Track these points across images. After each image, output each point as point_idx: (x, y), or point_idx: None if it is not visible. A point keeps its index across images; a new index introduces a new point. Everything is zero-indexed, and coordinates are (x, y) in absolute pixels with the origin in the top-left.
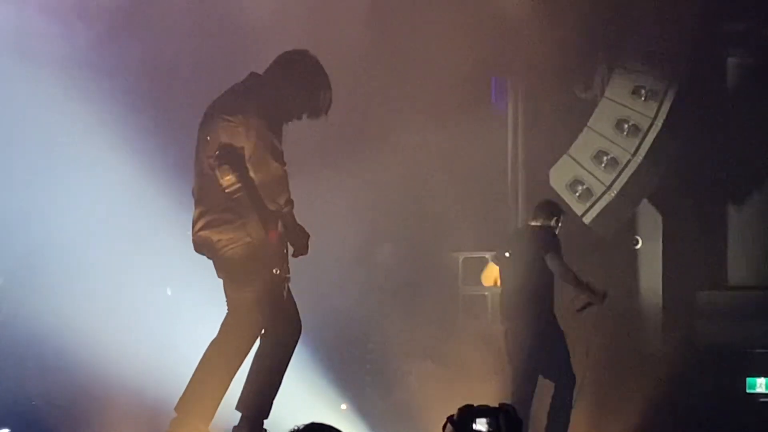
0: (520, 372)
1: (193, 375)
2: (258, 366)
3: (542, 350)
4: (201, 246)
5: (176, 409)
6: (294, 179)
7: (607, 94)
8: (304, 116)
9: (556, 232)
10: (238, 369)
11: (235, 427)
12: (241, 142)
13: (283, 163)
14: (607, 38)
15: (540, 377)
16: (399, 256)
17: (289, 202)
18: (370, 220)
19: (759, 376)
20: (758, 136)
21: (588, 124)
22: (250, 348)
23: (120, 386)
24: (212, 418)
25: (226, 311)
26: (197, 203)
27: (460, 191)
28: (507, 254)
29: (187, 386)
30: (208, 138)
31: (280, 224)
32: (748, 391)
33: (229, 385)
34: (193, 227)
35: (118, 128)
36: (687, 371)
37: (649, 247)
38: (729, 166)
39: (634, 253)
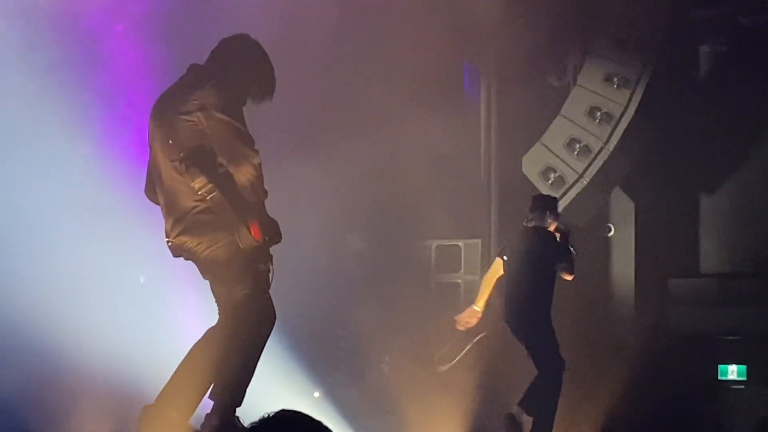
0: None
1: (178, 369)
2: (231, 356)
3: (535, 349)
4: (179, 251)
5: (157, 398)
6: (265, 168)
7: (579, 81)
8: (249, 101)
9: (553, 228)
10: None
11: (207, 414)
12: (206, 138)
13: (255, 148)
14: (580, 26)
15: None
16: (371, 244)
17: (265, 192)
18: (342, 208)
19: (731, 363)
20: (730, 123)
21: (561, 111)
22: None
23: (93, 376)
24: (193, 411)
25: (218, 310)
26: (168, 211)
27: (433, 179)
28: (505, 258)
29: (170, 379)
30: (170, 141)
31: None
32: (720, 378)
33: (210, 384)
34: (168, 235)
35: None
36: (659, 359)
37: (621, 235)
38: (701, 153)
39: (607, 241)
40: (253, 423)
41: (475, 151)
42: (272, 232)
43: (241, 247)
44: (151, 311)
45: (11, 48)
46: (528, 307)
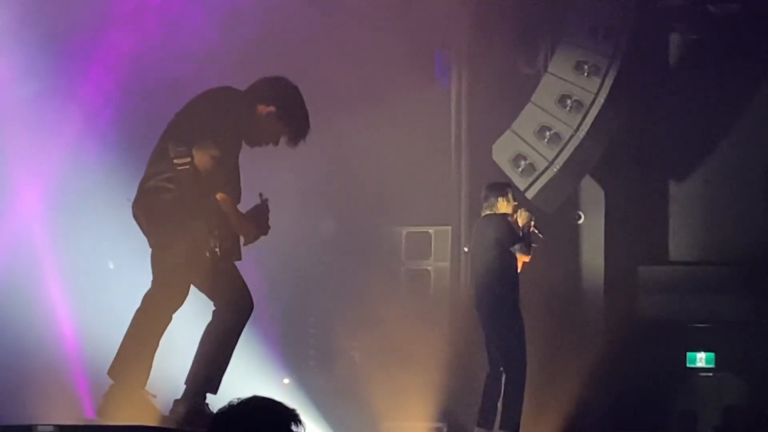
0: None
1: (122, 342)
2: (207, 343)
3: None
4: (138, 207)
5: (109, 374)
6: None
7: (550, 69)
8: (283, 140)
9: (511, 212)
10: (161, 335)
11: (176, 400)
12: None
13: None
14: (551, 13)
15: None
16: (342, 231)
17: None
18: (312, 195)
19: (699, 350)
20: (700, 111)
21: (531, 99)
22: (172, 314)
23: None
24: (146, 380)
25: (151, 281)
26: (146, 171)
27: (404, 165)
28: (465, 249)
29: (117, 353)
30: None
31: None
32: (688, 365)
33: (155, 349)
34: (139, 188)
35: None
36: (628, 346)
37: (591, 222)
38: (671, 141)
39: (577, 228)
40: (222, 408)
41: (445, 138)
42: (261, 222)
43: (177, 193)
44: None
45: None
46: (493, 294)
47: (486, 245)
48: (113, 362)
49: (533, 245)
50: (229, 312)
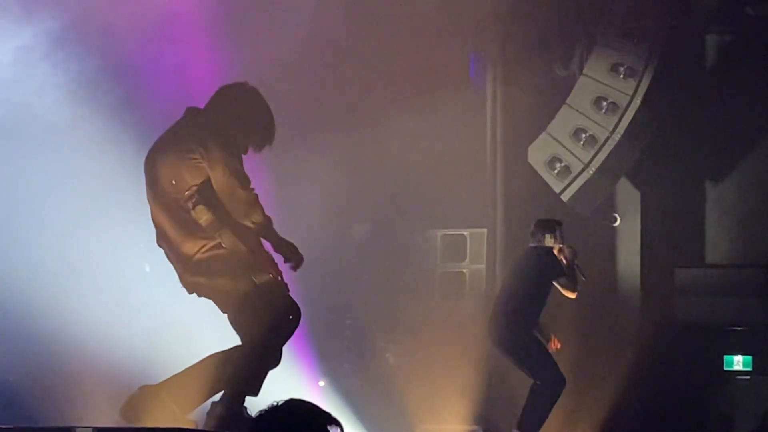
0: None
1: (192, 367)
2: (251, 348)
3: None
4: (196, 291)
5: (160, 383)
6: (274, 161)
7: (585, 71)
8: (250, 149)
9: (556, 250)
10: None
11: (214, 402)
12: (207, 176)
13: (251, 188)
14: (586, 16)
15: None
16: (377, 233)
17: (267, 219)
18: (348, 198)
19: (737, 353)
20: (737, 113)
21: (567, 101)
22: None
23: (98, 362)
24: (191, 407)
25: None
26: (176, 257)
27: (439, 168)
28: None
29: (182, 371)
30: (174, 182)
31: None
32: (725, 368)
33: (218, 392)
34: (181, 279)
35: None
36: (664, 349)
37: (627, 225)
38: (707, 143)
39: (613, 231)
40: (262, 411)
41: (480, 140)
42: (290, 253)
43: (256, 282)
44: (157, 300)
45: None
46: (511, 321)
47: (528, 275)
48: (171, 379)
49: (578, 283)
50: (280, 318)
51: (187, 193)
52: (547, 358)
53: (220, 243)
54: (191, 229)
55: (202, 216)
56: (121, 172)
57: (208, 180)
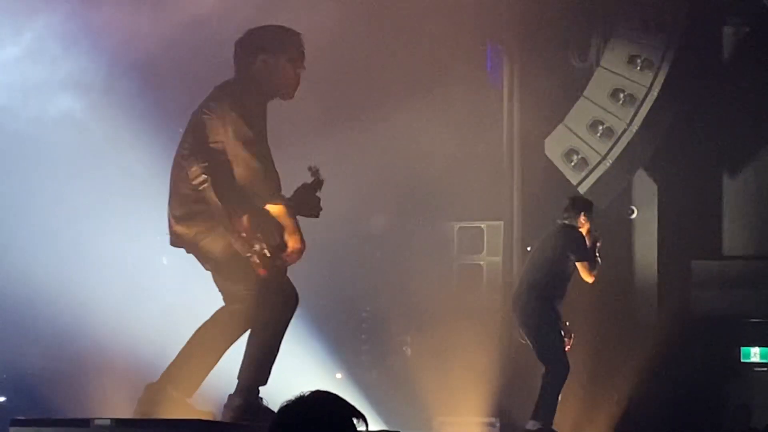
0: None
1: (181, 350)
2: (254, 337)
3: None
4: (178, 240)
5: (160, 377)
6: (289, 151)
7: (602, 63)
8: (277, 97)
9: (585, 230)
10: (224, 352)
11: (230, 395)
12: (219, 136)
13: (261, 156)
14: (603, 7)
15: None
16: (394, 226)
17: (269, 189)
18: (365, 190)
19: (753, 345)
20: (754, 104)
21: (584, 93)
22: (239, 335)
23: (116, 354)
24: (194, 391)
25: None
26: (171, 197)
27: (456, 160)
28: (528, 248)
29: (174, 359)
30: (180, 131)
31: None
32: (742, 360)
33: (213, 365)
34: (168, 222)
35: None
36: (682, 341)
37: (644, 217)
38: (724, 135)
39: (630, 223)
40: (288, 401)
41: (497, 132)
42: (270, 236)
43: (235, 247)
44: (174, 292)
45: None
46: (536, 296)
47: (556, 252)
48: (168, 367)
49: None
50: (278, 303)
51: (186, 145)
52: (558, 342)
53: (202, 197)
54: (183, 178)
55: (191, 166)
56: (139, 166)
57: (216, 141)
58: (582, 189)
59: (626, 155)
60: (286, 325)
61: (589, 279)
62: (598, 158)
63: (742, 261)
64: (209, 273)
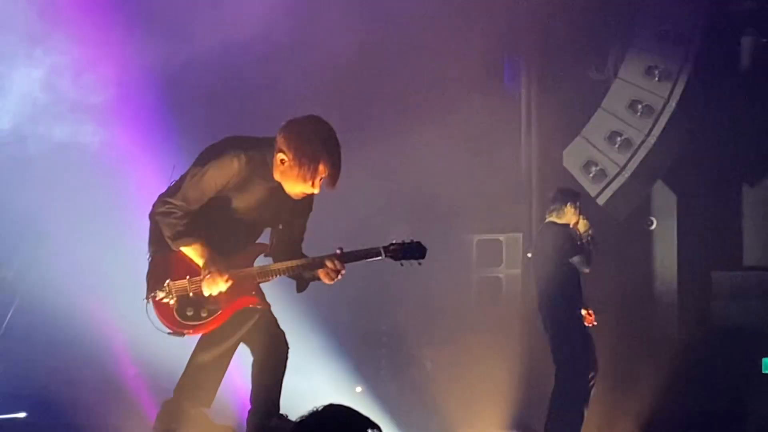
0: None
1: (189, 361)
2: (255, 378)
3: (563, 346)
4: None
5: (174, 390)
6: None
7: (620, 74)
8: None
9: (574, 222)
10: (231, 354)
11: (250, 410)
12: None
13: (166, 205)
14: (621, 18)
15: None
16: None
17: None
18: (383, 203)
19: None
20: None
21: (601, 105)
22: (242, 336)
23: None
24: (211, 400)
25: None
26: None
27: (474, 173)
28: (529, 255)
29: (184, 370)
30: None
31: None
32: (764, 371)
33: (225, 370)
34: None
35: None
36: (702, 352)
37: (663, 228)
38: (743, 145)
39: (649, 234)
40: (303, 416)
41: (515, 145)
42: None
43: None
44: None
45: None
46: (550, 303)
47: (546, 254)
48: (179, 380)
49: (592, 258)
50: (270, 359)
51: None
52: (573, 348)
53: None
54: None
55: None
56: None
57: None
58: (600, 200)
59: (645, 166)
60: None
61: (584, 270)
62: (617, 170)
63: (762, 272)
64: None
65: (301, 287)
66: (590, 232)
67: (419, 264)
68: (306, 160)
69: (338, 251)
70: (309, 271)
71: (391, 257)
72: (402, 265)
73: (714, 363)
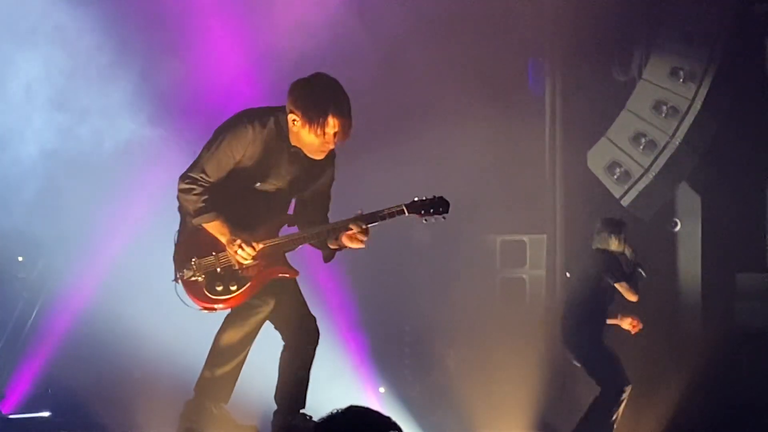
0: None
1: (207, 358)
2: (283, 368)
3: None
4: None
5: (194, 389)
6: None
7: (645, 75)
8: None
9: (621, 251)
10: (245, 352)
11: (275, 411)
12: None
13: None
14: (645, 19)
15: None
16: (436, 239)
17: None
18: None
19: None
20: None
21: (626, 106)
22: (256, 330)
23: (158, 370)
24: (228, 398)
25: None
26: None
27: (498, 174)
28: (567, 275)
29: (203, 368)
30: None
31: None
32: None
33: (242, 364)
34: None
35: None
36: (726, 354)
37: (688, 230)
38: None
39: (673, 236)
40: (323, 417)
41: (539, 146)
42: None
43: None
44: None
45: None
46: (579, 325)
47: (591, 276)
48: (198, 378)
49: (638, 286)
50: (301, 341)
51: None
52: (607, 362)
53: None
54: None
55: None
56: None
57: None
58: (625, 202)
59: (669, 168)
60: (311, 360)
61: (632, 298)
62: (641, 171)
63: None
64: None
65: (327, 257)
66: (637, 260)
67: (443, 219)
68: (314, 114)
69: (359, 212)
70: (333, 238)
71: (415, 213)
72: (426, 221)
73: (738, 364)
